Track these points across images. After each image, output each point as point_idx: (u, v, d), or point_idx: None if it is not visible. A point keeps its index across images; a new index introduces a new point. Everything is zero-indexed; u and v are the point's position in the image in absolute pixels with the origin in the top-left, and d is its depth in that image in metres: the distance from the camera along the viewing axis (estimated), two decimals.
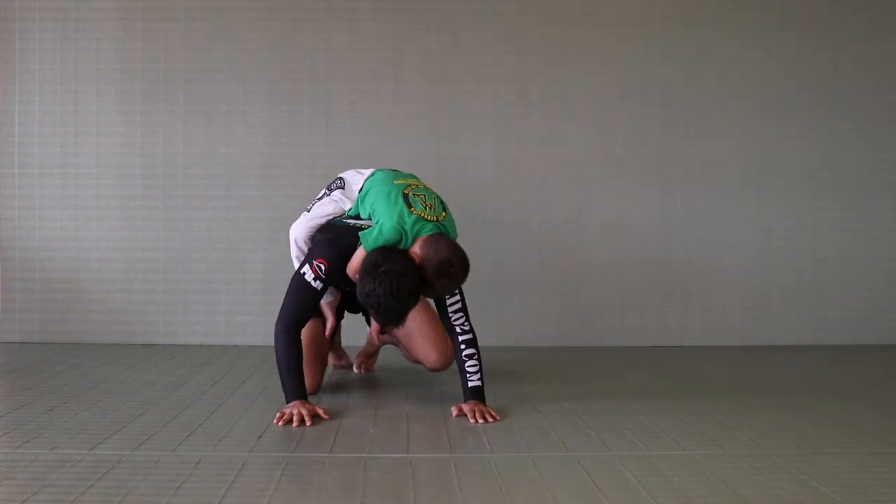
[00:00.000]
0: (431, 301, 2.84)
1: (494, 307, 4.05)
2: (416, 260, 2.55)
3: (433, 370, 2.92)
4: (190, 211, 4.10)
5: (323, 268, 2.64)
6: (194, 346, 4.04)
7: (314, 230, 2.94)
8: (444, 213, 2.70)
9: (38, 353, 3.72)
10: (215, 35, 4.09)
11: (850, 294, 4.31)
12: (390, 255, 2.52)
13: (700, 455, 2.20)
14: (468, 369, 2.66)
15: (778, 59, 4.27)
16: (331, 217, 2.91)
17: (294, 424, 2.44)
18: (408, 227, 2.59)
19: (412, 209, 2.62)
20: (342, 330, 3.47)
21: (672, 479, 1.99)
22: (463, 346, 2.68)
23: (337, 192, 2.89)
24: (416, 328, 2.87)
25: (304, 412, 2.48)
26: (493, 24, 4.16)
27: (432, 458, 2.16)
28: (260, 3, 4.10)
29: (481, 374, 2.67)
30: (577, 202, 4.20)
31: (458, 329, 2.69)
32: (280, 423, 2.46)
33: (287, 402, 2.56)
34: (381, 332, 3.09)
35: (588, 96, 4.20)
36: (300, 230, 2.96)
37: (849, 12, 4.28)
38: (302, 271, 2.66)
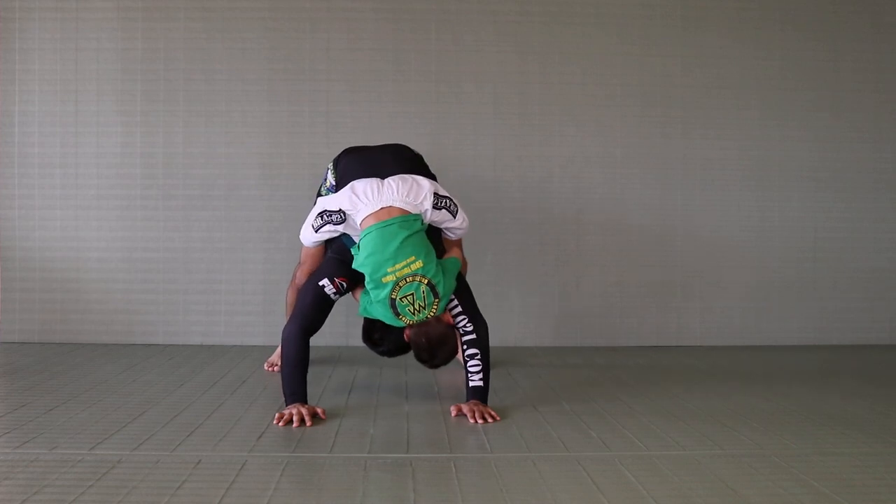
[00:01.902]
0: None
1: (494, 307, 4.04)
2: (406, 338, 2.81)
3: None
4: (190, 211, 4.09)
5: (344, 285, 2.78)
6: (194, 346, 4.04)
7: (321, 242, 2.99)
8: (435, 304, 2.64)
9: (38, 353, 3.72)
10: (215, 35, 4.09)
11: (850, 294, 4.31)
12: (381, 329, 2.86)
13: (700, 455, 2.20)
14: (470, 368, 2.68)
15: (778, 59, 4.27)
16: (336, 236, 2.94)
17: (294, 424, 2.45)
18: (398, 325, 2.74)
19: (400, 317, 2.66)
20: None
21: (672, 479, 1.99)
22: (465, 346, 2.71)
23: (339, 227, 2.83)
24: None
25: (304, 412, 2.49)
26: (493, 24, 4.16)
27: (432, 458, 2.16)
28: (260, 2, 4.10)
29: (484, 375, 2.68)
30: (577, 202, 4.20)
31: (460, 330, 2.74)
32: (280, 424, 2.46)
33: (287, 404, 2.56)
34: None
35: (588, 96, 4.20)
36: (309, 242, 2.96)
37: (849, 12, 4.28)
38: (321, 283, 2.74)
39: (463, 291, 2.77)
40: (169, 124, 4.09)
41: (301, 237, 2.98)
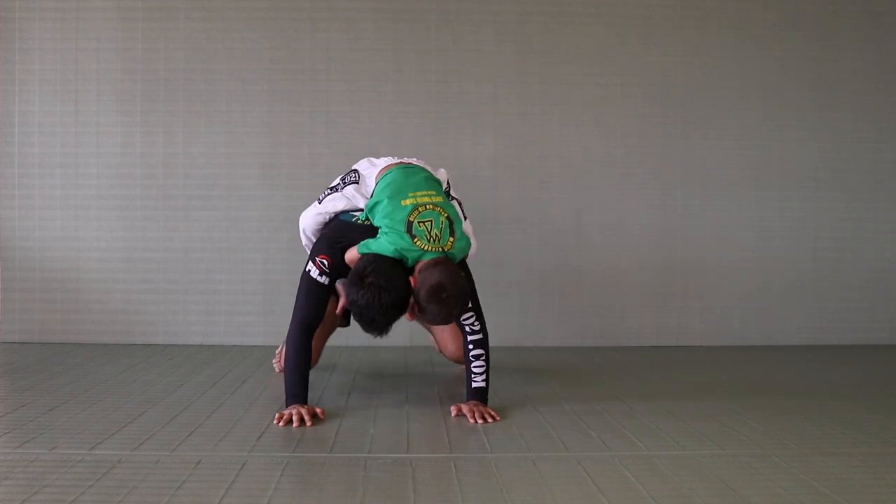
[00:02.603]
0: None
1: (494, 307, 4.03)
2: (413, 283, 2.50)
3: (452, 360, 3.14)
4: (190, 211, 4.10)
5: (326, 263, 2.64)
6: (194, 346, 4.04)
7: (322, 223, 2.93)
8: (451, 240, 2.58)
9: (38, 353, 3.72)
10: (215, 35, 4.10)
11: (849, 294, 4.31)
12: (378, 266, 2.48)
13: (700, 455, 2.20)
14: (474, 369, 2.67)
15: (778, 58, 4.27)
16: (340, 212, 2.88)
17: (294, 424, 2.44)
18: (407, 257, 2.55)
19: (415, 240, 2.53)
20: None
21: (672, 479, 1.99)
22: (471, 346, 2.69)
23: (350, 189, 2.82)
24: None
25: (304, 412, 2.49)
26: (493, 23, 4.16)
27: (432, 458, 2.16)
28: (260, 2, 4.10)
29: (486, 376, 2.67)
30: (577, 202, 4.20)
31: (467, 329, 2.70)
32: (280, 424, 2.46)
33: (287, 405, 2.56)
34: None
35: (588, 96, 4.20)
36: (309, 221, 2.94)
37: (849, 11, 4.28)
38: (307, 269, 2.67)
39: (473, 290, 2.74)
40: (169, 124, 4.09)
41: (301, 220, 2.96)
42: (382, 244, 2.55)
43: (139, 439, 2.28)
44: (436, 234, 2.54)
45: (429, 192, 2.64)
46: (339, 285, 2.96)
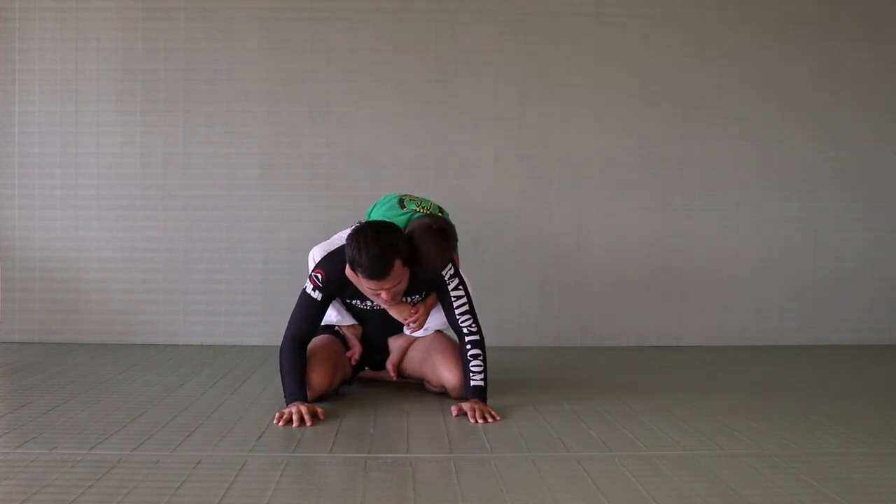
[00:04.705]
0: (444, 318, 2.85)
1: (494, 307, 4.04)
2: (405, 232, 2.69)
3: (455, 394, 2.83)
4: (190, 211, 4.09)
5: (320, 276, 2.71)
6: (194, 346, 4.04)
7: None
8: (440, 212, 2.87)
9: (38, 353, 3.72)
10: (215, 35, 4.09)
11: (850, 294, 4.31)
12: (370, 222, 2.70)
13: (700, 455, 2.20)
14: (472, 369, 2.69)
15: (779, 58, 4.27)
16: None
17: (294, 424, 2.45)
18: (397, 220, 2.77)
19: (404, 208, 2.86)
20: None
21: (672, 479, 1.99)
22: (469, 347, 2.71)
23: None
24: (436, 351, 2.89)
25: (304, 411, 2.49)
26: (493, 23, 4.16)
27: (432, 458, 2.16)
28: (260, 3, 4.10)
29: (485, 376, 2.69)
30: (577, 202, 4.20)
31: (465, 330, 2.74)
32: (280, 424, 2.46)
33: (287, 404, 2.57)
34: (398, 367, 3.03)
35: (588, 96, 4.20)
36: (319, 252, 2.93)
37: (851, 12, 4.28)
38: (304, 286, 2.75)
39: (467, 293, 2.79)
40: (169, 124, 4.09)
41: (311, 253, 2.96)
42: (377, 215, 2.87)
43: (139, 439, 2.28)
44: (426, 207, 2.87)
45: (420, 198, 2.97)
46: (348, 334, 3.00)
